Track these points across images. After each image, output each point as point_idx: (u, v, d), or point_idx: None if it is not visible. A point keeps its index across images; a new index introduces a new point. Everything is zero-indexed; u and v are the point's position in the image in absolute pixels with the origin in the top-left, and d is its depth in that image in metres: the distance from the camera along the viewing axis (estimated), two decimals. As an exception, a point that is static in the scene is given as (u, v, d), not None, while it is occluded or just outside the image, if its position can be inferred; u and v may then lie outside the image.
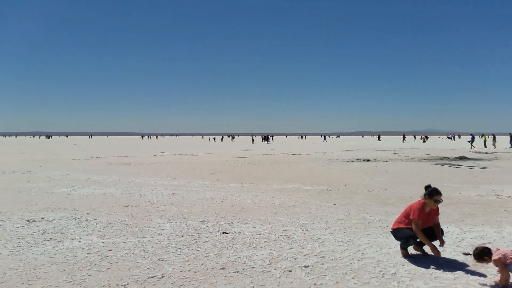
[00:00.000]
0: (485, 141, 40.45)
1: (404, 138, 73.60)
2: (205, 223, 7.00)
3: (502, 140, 49.44)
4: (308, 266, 4.81)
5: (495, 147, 37.81)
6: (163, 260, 5.05)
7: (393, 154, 28.73)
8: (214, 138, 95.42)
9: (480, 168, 17.19)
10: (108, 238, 6.03)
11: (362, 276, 4.48)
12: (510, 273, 4.11)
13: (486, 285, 4.17)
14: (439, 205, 5.15)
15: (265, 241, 5.85)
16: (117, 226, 6.78)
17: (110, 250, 5.45)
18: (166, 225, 6.87)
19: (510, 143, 40.31)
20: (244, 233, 6.32)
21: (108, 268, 4.76)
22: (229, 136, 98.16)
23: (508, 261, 4.05)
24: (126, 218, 7.39)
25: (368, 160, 22.17)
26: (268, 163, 20.39)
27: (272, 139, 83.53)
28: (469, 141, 41.26)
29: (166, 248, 5.55)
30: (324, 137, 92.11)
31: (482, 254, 4.27)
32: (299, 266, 4.79)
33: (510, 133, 42.66)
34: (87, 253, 5.31)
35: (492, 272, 4.43)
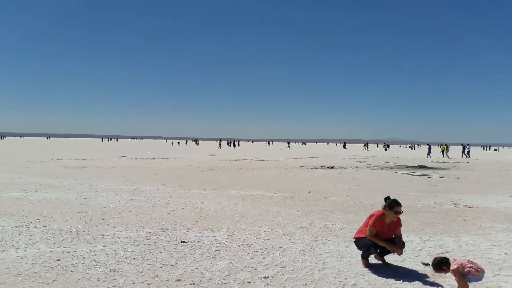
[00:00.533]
0: (443, 150, 42.14)
1: (365, 146, 75.56)
2: (163, 231, 6.71)
3: (455, 150, 51.76)
4: (268, 277, 4.66)
5: (448, 157, 39.57)
6: (115, 271, 4.75)
7: (356, 161, 29.28)
8: (178, 143, 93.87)
9: (439, 177, 17.75)
10: (57, 247, 5.64)
11: (322, 287, 4.38)
12: (467, 282, 4.13)
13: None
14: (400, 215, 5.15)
15: (225, 251, 5.65)
16: (69, 234, 6.38)
17: (58, 260, 5.09)
18: (121, 233, 6.53)
19: (463, 152, 42.22)
20: (203, 242, 6.09)
21: (54, 280, 4.42)
22: (194, 141, 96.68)
23: (465, 270, 4.07)
24: (79, 225, 6.97)
25: (332, 167, 22.43)
26: (232, 169, 20.17)
27: (239, 144, 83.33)
28: (430, 152, 42.94)
29: (119, 258, 5.24)
30: (288, 143, 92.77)
31: (441, 264, 4.27)
32: (258, 277, 4.63)
33: (462, 144, 44.79)
34: (33, 264, 4.93)
35: (449, 283, 4.45)
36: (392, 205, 4.98)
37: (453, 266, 4.16)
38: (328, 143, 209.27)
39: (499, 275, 4.77)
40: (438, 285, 4.47)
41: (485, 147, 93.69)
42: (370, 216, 5.11)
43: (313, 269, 4.96)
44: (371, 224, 4.99)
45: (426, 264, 4.56)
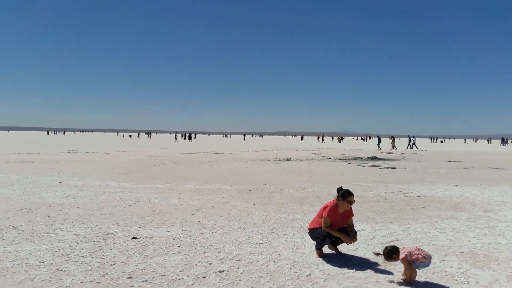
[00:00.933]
0: (394, 142, 43.99)
1: (318, 138, 77.41)
2: (114, 227, 6.43)
3: (402, 142, 54.32)
4: (223, 271, 4.59)
5: (396, 148, 41.39)
6: (61, 270, 4.49)
7: (312, 154, 29.83)
8: (130, 135, 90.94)
9: (389, 168, 18.46)
10: (-3, 247, 5.25)
11: (277, 279, 4.37)
12: (416, 269, 4.28)
13: (394, 282, 4.29)
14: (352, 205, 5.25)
15: (179, 246, 5.51)
16: (10, 233, 5.96)
17: (-1, 260, 4.73)
18: (69, 230, 6.19)
19: (408, 144, 44.33)
20: (156, 237, 5.90)
21: (-8, 283, 4.09)
22: (146, 134, 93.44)
23: (413, 258, 4.21)
24: (22, 223, 6.55)
25: (288, 160, 22.69)
26: (188, 163, 19.86)
27: (195, 137, 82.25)
28: (390, 143, 44.58)
29: (66, 256, 4.96)
30: (244, 136, 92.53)
31: (391, 253, 4.40)
32: (213, 272, 4.54)
33: (408, 136, 47.03)
34: (-31, 266, 4.54)
35: (400, 270, 4.58)
36: (345, 195, 5.07)
37: (401, 255, 4.29)
38: (284, 135, 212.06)
39: (445, 260, 4.99)
40: (388, 272, 4.59)
41: (432, 139, 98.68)
42: (324, 207, 5.16)
43: (269, 261, 4.95)
44: (326, 215, 5.05)
45: (378, 254, 4.68)
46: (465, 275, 4.48)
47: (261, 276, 4.44)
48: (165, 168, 16.62)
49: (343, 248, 5.39)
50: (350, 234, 5.10)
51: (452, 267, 4.75)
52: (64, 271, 4.48)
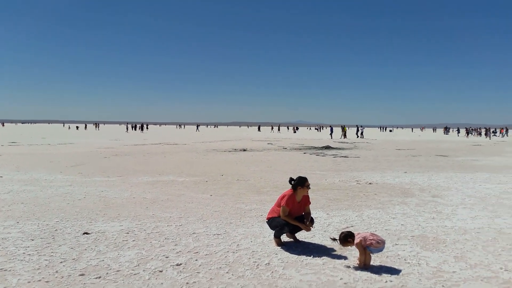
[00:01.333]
0: (345, 132, 45.31)
1: (272, 129, 78.49)
2: (63, 223, 6.09)
3: (353, 132, 56.27)
4: (181, 264, 4.48)
5: (345, 137, 42.75)
6: (6, 270, 4.19)
7: (268, 144, 30.07)
8: (77, 127, 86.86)
9: (342, 156, 18.96)
10: None
11: (236, 269, 4.33)
12: (370, 254, 4.40)
13: (350, 267, 4.39)
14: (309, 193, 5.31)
15: (133, 240, 5.31)
16: None
17: None
18: (13, 227, 5.79)
19: (356, 133, 45.97)
20: (109, 232, 5.65)
21: None
22: (94, 124, 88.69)
23: (367, 243, 4.33)
24: (-41, 222, 6.03)
25: (244, 150, 22.70)
26: (139, 154, 19.28)
27: (147, 128, 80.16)
28: (339, 133, 45.75)
29: (11, 255, 4.63)
30: (197, 127, 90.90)
31: (346, 237, 4.49)
32: (170, 265, 4.42)
33: (357, 125, 48.72)
34: None
35: (355, 254, 4.70)
36: (303, 181, 5.16)
37: (356, 240, 4.40)
38: (240, 126, 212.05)
39: (397, 244, 5.17)
40: (344, 257, 4.70)
41: (381, 128, 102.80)
42: (282, 197, 5.19)
43: (227, 252, 4.90)
44: (284, 204, 5.07)
45: (334, 239, 4.76)
46: (416, 257, 4.68)
47: (220, 267, 4.38)
48: (115, 161, 16.02)
49: (300, 235, 5.45)
50: (307, 222, 5.16)
51: (404, 250, 4.94)
52: (9, 270, 4.18)
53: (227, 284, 3.95)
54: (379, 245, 4.35)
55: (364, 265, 4.37)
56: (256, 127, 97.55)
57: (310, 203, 5.36)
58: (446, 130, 72.37)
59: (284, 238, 5.38)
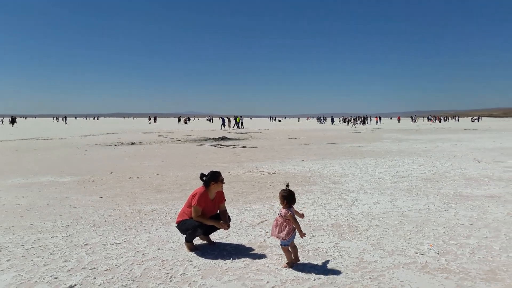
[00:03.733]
0: (239, 122, 45.65)
1: (149, 119, 75.64)
2: None
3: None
4: (75, 285, 3.65)
5: (230, 128, 42.78)
6: None
7: (158, 136, 28.58)
8: None
9: (240, 147, 18.81)
10: None
11: (147, 285, 3.66)
12: (293, 247, 4.10)
13: (273, 267, 4.03)
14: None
15: (9, 260, 4.23)
16: None
17: None
18: None
19: (235, 123, 46.68)
20: (-30, 254, 4.40)
21: None
22: None
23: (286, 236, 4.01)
24: None
25: (133, 144, 21.10)
26: (7, 152, 16.52)
27: (15, 121, 70.23)
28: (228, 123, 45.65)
29: None
30: (64, 118, 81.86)
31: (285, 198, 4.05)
32: (62, 289, 3.53)
33: (235, 116, 48.97)
34: None
35: (276, 252, 4.39)
36: (215, 176, 4.63)
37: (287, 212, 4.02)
38: (123, 117, 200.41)
39: (315, 236, 5.00)
40: (264, 256, 4.35)
41: (271, 118, 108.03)
42: (193, 196, 4.59)
43: (132, 264, 4.16)
44: (196, 204, 4.49)
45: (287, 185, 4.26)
46: (336, 249, 4.53)
47: (126, 285, 3.65)
48: (-23, 161, 13.39)
49: (214, 236, 4.94)
50: (224, 220, 4.66)
51: (323, 242, 4.77)
52: None
53: (137, 307, 3.25)
54: (289, 236, 4.05)
55: (293, 262, 4.06)
56: (147, 119, 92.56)
57: (225, 200, 4.86)
58: (319, 119, 78.77)
59: (197, 241, 4.81)
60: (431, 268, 3.91)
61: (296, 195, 4.20)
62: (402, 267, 3.99)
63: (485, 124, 63.40)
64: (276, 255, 4.34)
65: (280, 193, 4.12)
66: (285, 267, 4.02)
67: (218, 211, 4.76)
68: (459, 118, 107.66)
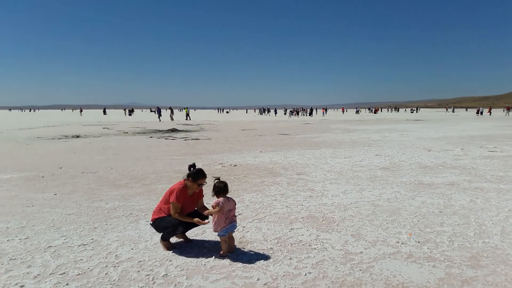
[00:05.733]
0: (187, 114, 44.62)
1: (105, 111, 72.26)
2: None
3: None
4: (45, 295, 3.26)
5: (172, 119, 41.27)
6: None
7: (104, 128, 27.20)
8: None
9: (194, 139, 18.34)
10: None
11: (128, 290, 3.37)
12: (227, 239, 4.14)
13: (256, 265, 3.90)
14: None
15: (-41, 271, 3.71)
16: None
17: None
18: None
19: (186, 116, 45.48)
20: None
21: None
22: None
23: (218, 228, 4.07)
24: None
25: (78, 137, 19.88)
26: None
27: None
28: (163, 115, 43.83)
29: None
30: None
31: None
32: (29, 301, 3.16)
33: (170, 107, 47.29)
34: None
35: (260, 247, 4.26)
36: (196, 176, 4.35)
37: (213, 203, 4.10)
38: (63, 109, 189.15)
39: (293, 229, 4.92)
40: (248, 251, 4.22)
41: (219, 110, 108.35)
42: (171, 191, 4.31)
43: (106, 266, 3.84)
44: (174, 200, 4.22)
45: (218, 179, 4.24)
46: (319, 241, 4.49)
47: (105, 291, 3.34)
48: None
49: (189, 233, 4.72)
50: (203, 217, 4.44)
51: (303, 235, 4.71)
52: None
53: (125, 315, 2.98)
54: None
55: (228, 252, 4.14)
56: (79, 111, 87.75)
57: (203, 196, 4.64)
58: (261, 111, 79.19)
59: (172, 239, 4.56)
60: (417, 257, 3.98)
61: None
62: (388, 257, 4.02)
63: (424, 115, 67.66)
64: (260, 250, 4.23)
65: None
66: (218, 257, 4.05)
67: (196, 208, 4.54)
68: (399, 109, 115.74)
